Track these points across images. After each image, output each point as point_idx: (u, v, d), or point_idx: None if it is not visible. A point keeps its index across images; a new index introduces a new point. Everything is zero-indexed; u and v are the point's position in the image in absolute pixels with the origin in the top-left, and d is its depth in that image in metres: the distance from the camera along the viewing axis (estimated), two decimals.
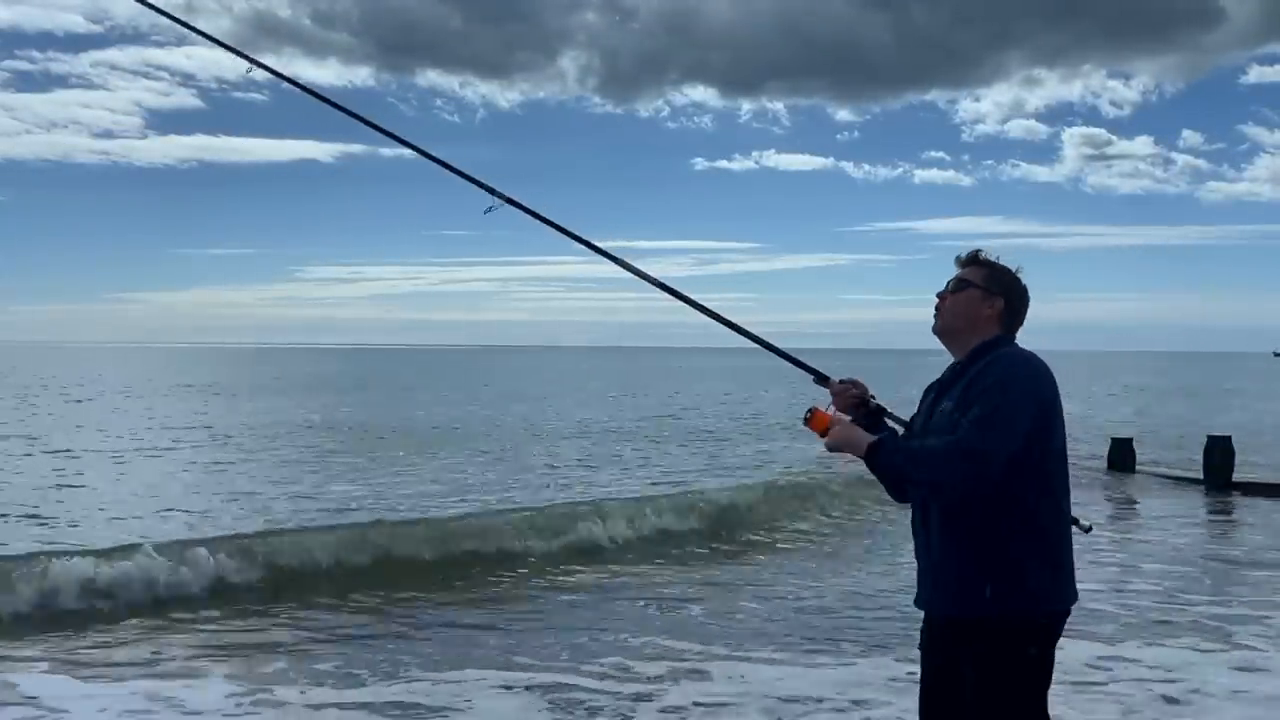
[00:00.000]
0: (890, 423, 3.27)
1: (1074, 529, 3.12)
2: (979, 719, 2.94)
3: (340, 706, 5.67)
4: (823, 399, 3.25)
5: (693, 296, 3.74)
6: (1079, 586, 3.08)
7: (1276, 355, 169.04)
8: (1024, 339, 3.25)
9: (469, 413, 31.97)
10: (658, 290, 3.79)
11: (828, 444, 3.06)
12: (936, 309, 3.15)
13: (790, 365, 3.69)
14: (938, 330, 3.16)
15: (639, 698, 5.85)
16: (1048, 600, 2.94)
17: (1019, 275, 3.14)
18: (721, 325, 3.74)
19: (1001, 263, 3.14)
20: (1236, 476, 16.16)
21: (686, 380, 62.60)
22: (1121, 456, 18.14)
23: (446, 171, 4.18)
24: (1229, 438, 17.19)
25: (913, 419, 3.20)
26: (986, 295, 3.07)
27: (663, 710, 5.67)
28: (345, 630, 7.36)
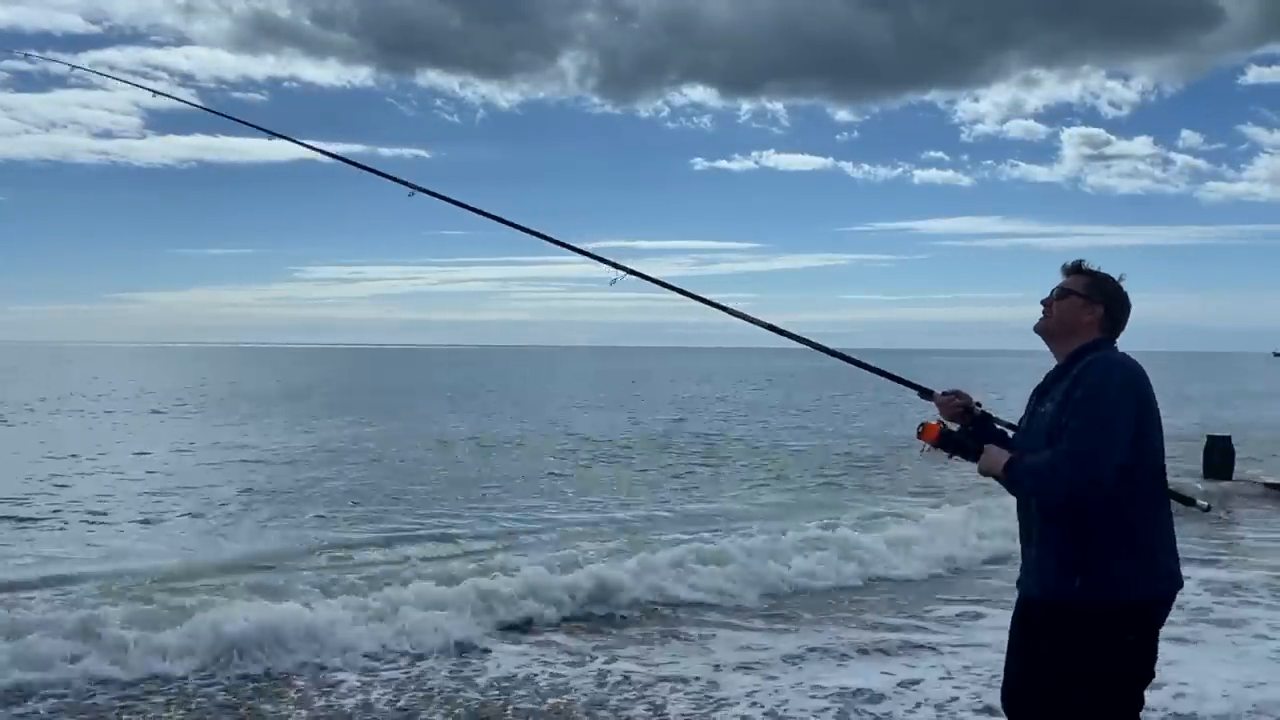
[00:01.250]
0: (999, 427, 3.49)
1: (1193, 509, 3.51)
2: (1055, 694, 3.18)
3: None
4: (930, 411, 3.51)
5: (794, 331, 4.10)
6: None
7: (1276, 355, 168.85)
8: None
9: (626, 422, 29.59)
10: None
11: (979, 470, 3.31)
12: (1044, 313, 3.38)
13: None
14: (1039, 329, 3.38)
15: None
16: (1135, 589, 3.14)
17: (1121, 283, 3.35)
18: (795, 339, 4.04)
19: (1104, 271, 3.37)
20: (1236, 476, 16.19)
21: (738, 382, 62.50)
22: None
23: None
24: (1229, 438, 17.23)
25: (1020, 422, 3.43)
26: (1087, 303, 3.30)
27: None
28: None
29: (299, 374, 68.36)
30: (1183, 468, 17.76)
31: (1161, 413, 3.19)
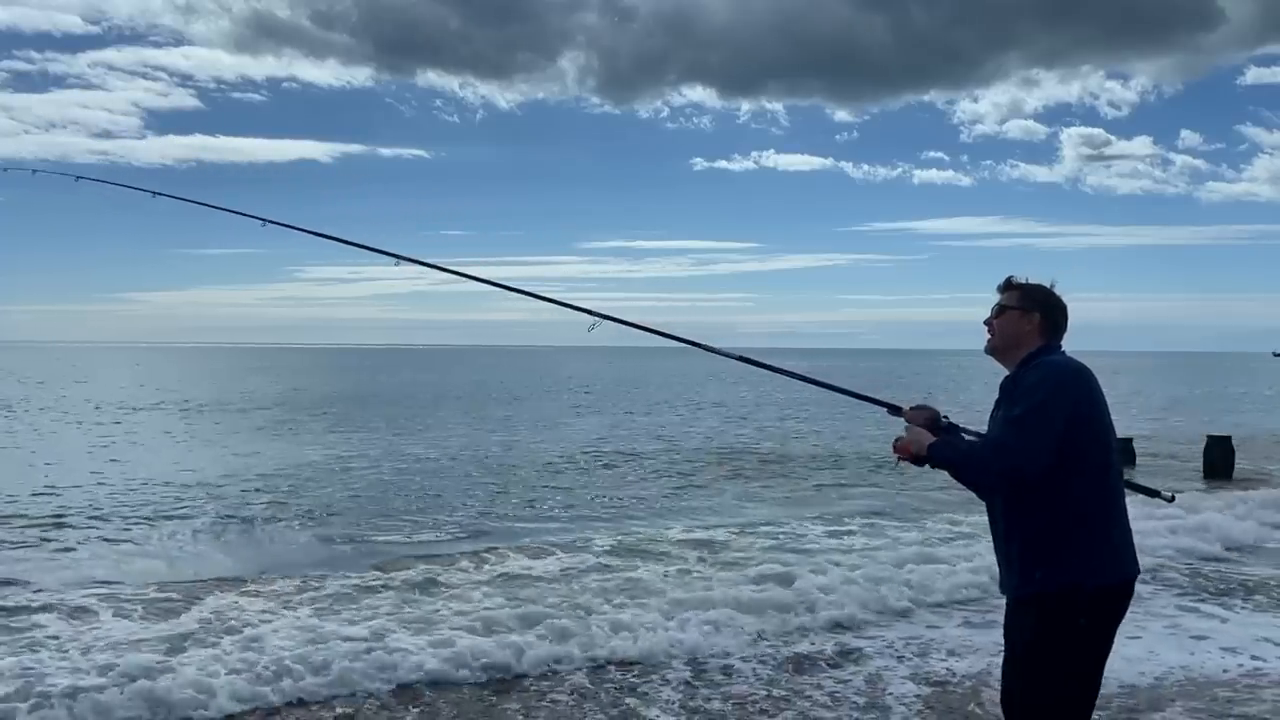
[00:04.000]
0: (967, 438, 3.61)
1: (1157, 500, 3.84)
2: (1028, 684, 3.34)
3: None
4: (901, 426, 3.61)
5: (757, 358, 4.30)
6: None
7: (1276, 355, 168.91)
8: None
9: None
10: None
11: (896, 446, 3.48)
12: (988, 333, 3.57)
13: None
14: (988, 350, 3.58)
15: None
16: (1093, 575, 3.28)
17: (1053, 289, 3.53)
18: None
19: (1033, 281, 3.55)
20: (1237, 475, 16.20)
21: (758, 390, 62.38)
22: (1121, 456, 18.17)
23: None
24: (1228, 437, 17.27)
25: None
26: (1024, 314, 3.48)
27: None
28: None
29: (362, 378, 67.92)
30: (1184, 467, 17.86)
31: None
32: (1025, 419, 3.21)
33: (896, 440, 3.54)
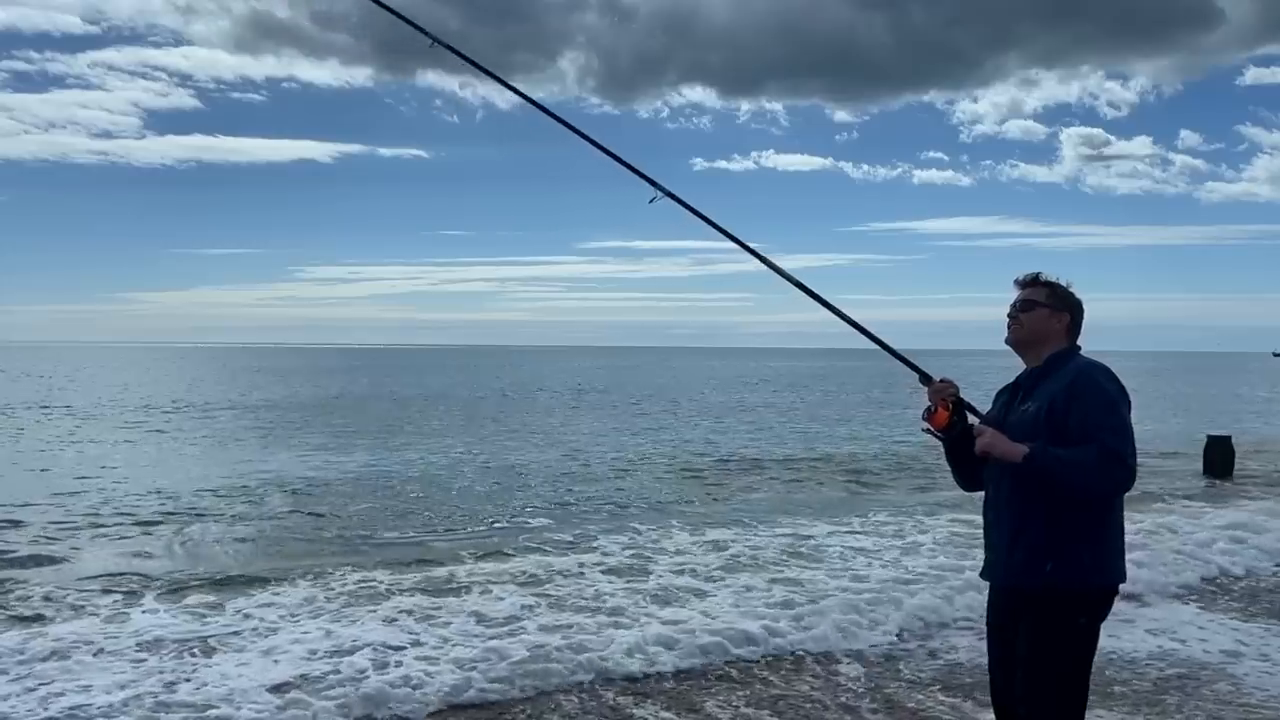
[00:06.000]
0: (970, 416, 3.64)
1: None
2: (1031, 681, 3.35)
3: None
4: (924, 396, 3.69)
5: (832, 301, 4.36)
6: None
7: (1276, 355, 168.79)
8: None
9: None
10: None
11: (979, 448, 3.41)
12: (1011, 324, 3.58)
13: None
14: (1011, 342, 3.60)
15: None
16: (1100, 575, 3.35)
17: (1072, 290, 3.59)
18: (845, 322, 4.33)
19: (1059, 280, 3.58)
20: (1237, 474, 16.23)
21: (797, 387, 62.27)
22: None
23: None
24: (1228, 437, 17.27)
25: (988, 414, 3.61)
26: (1054, 312, 3.52)
27: None
28: None
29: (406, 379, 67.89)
30: (1186, 468, 17.84)
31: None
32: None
33: (931, 410, 3.59)
